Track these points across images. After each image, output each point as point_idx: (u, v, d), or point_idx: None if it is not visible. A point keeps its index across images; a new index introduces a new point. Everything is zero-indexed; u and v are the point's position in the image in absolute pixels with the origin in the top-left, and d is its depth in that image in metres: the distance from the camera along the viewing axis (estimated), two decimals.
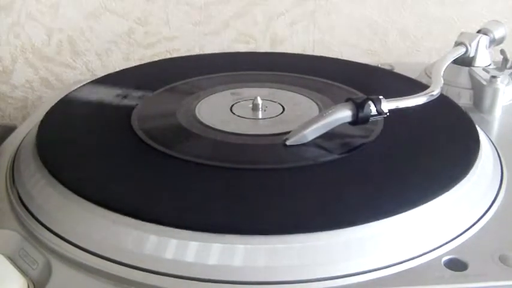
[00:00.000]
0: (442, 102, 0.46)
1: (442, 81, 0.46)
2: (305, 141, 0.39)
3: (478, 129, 0.43)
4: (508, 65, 0.52)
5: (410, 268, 0.30)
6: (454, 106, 0.47)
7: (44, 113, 0.45)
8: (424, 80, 0.53)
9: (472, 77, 0.52)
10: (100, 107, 0.47)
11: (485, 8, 0.75)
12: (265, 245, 0.30)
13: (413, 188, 0.34)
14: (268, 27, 0.77)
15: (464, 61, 0.53)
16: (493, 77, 0.49)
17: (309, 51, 0.78)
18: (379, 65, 0.60)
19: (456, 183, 0.35)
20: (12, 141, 0.45)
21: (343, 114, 0.39)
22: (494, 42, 0.54)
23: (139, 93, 0.49)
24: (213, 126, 0.43)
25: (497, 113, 0.49)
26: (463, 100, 0.51)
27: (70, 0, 0.74)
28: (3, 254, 0.31)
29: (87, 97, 0.49)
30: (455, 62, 0.53)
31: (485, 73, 0.51)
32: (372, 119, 0.40)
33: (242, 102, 0.47)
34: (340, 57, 0.75)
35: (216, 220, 0.31)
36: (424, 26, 0.77)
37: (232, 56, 0.65)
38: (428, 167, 0.37)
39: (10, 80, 0.78)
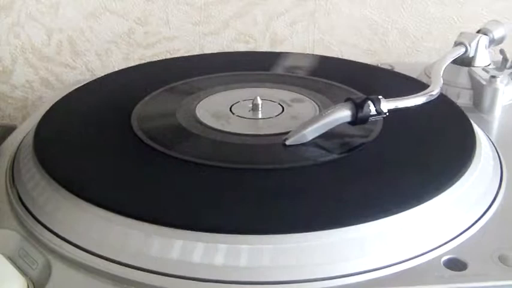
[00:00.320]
0: (442, 102, 0.46)
1: (442, 81, 0.46)
2: (304, 141, 0.39)
3: (478, 129, 0.43)
4: (508, 65, 0.52)
5: (410, 268, 0.30)
6: (453, 106, 0.47)
7: (44, 113, 0.45)
8: (423, 80, 0.53)
9: (472, 77, 0.52)
10: (100, 107, 0.47)
11: (485, 8, 0.75)
12: (264, 244, 0.30)
13: (413, 187, 0.34)
14: (268, 27, 0.77)
15: (464, 61, 0.53)
16: (493, 77, 0.49)
17: (309, 51, 0.78)
18: (379, 65, 0.60)
19: (456, 183, 0.35)
20: (12, 141, 0.45)
21: (343, 114, 0.40)
22: (494, 42, 0.54)
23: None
24: (212, 126, 0.43)
25: (497, 113, 0.49)
26: (463, 100, 0.51)
27: (70, 0, 0.74)
28: (3, 254, 0.31)
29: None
30: (455, 62, 0.53)
31: (485, 73, 0.51)
32: (371, 118, 0.40)
33: (242, 102, 0.47)
34: (340, 57, 0.75)
35: (216, 220, 0.31)
36: (424, 26, 0.77)
37: (232, 56, 0.65)
38: (428, 167, 0.37)
39: (10, 80, 0.78)
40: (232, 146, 0.40)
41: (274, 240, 0.30)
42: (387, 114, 0.40)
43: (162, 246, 0.30)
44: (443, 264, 0.30)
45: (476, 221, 0.34)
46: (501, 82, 0.49)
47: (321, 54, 0.70)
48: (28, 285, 0.30)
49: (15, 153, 0.42)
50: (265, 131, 0.42)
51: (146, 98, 0.48)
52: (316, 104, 0.47)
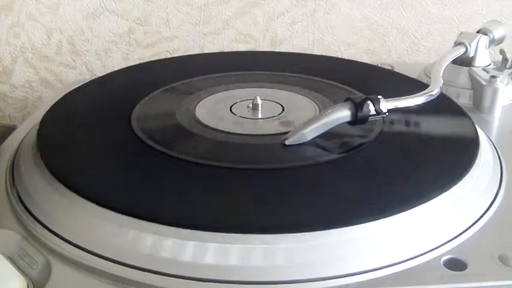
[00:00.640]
0: (442, 102, 0.46)
1: (442, 81, 0.46)
2: (304, 140, 0.39)
3: (478, 129, 0.43)
4: (508, 65, 0.52)
5: (410, 268, 0.30)
6: (454, 105, 0.47)
7: (44, 113, 0.45)
8: (423, 80, 0.53)
9: (472, 77, 0.52)
10: (100, 107, 0.47)
11: (485, 8, 0.75)
12: (264, 244, 0.30)
13: (413, 187, 0.34)
14: (268, 27, 0.77)
15: (464, 61, 0.53)
16: (493, 77, 0.49)
17: (309, 51, 0.78)
18: (379, 65, 0.60)
19: (456, 183, 0.35)
20: (12, 141, 0.45)
21: (342, 114, 0.40)
22: (494, 42, 0.54)
23: None
24: (212, 126, 0.43)
25: (497, 113, 0.49)
26: (463, 100, 0.51)
27: (70, 0, 0.74)
28: (3, 254, 0.31)
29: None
30: (455, 62, 0.53)
31: (485, 73, 0.51)
32: (370, 118, 0.40)
33: (242, 102, 0.47)
34: (340, 57, 0.75)
35: (216, 220, 0.31)
36: (424, 26, 0.77)
37: (232, 56, 0.65)
38: (428, 167, 0.37)
39: (10, 80, 0.78)
40: (232, 145, 0.40)
41: (274, 240, 0.30)
42: (387, 114, 0.40)
43: (163, 246, 0.30)
44: (443, 264, 0.30)
45: (476, 221, 0.34)
46: (501, 82, 0.49)
47: (321, 54, 0.70)
48: (28, 285, 0.30)
49: (15, 153, 0.42)
50: (264, 131, 0.42)
51: (146, 98, 0.48)
52: (316, 104, 0.47)
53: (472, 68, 0.53)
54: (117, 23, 0.76)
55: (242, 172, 0.36)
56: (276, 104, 0.47)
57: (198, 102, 0.47)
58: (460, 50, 0.53)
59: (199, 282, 0.29)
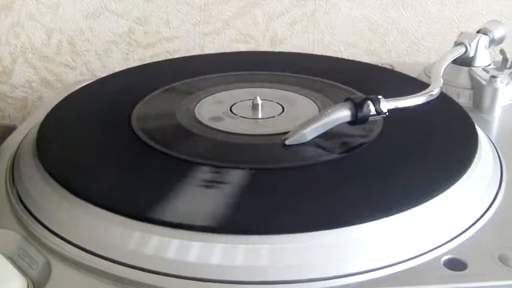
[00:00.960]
0: (442, 101, 0.46)
1: (442, 81, 0.46)
2: (304, 140, 0.39)
3: (478, 129, 0.43)
4: (508, 65, 0.52)
5: (410, 268, 0.30)
6: (454, 105, 0.47)
7: (44, 113, 0.45)
8: (423, 80, 0.53)
9: (472, 77, 0.52)
10: (100, 108, 0.47)
11: (485, 8, 0.75)
12: (264, 244, 0.30)
13: (413, 187, 0.34)
14: (268, 27, 0.77)
15: (464, 61, 0.53)
16: (493, 77, 0.49)
17: (309, 51, 0.78)
18: (379, 65, 0.60)
19: (455, 183, 0.35)
20: (12, 141, 0.45)
21: (342, 113, 0.40)
22: (494, 42, 0.54)
23: None
24: (212, 126, 0.43)
25: (497, 113, 0.49)
26: (463, 100, 0.51)
27: (70, 0, 0.74)
28: (3, 254, 0.31)
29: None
30: (455, 62, 0.53)
31: (485, 73, 0.51)
32: (371, 118, 0.40)
33: (242, 102, 0.47)
34: (340, 57, 0.75)
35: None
36: (424, 26, 0.77)
37: (232, 56, 0.65)
38: (428, 167, 0.37)
39: (10, 80, 0.78)
40: (232, 145, 0.40)
41: (274, 240, 0.30)
42: (387, 114, 0.40)
43: (163, 246, 0.30)
44: (443, 264, 0.30)
45: (476, 221, 0.34)
46: (501, 82, 0.49)
47: (321, 54, 0.70)
48: (28, 285, 0.30)
49: (15, 153, 0.42)
50: (265, 130, 0.42)
51: (146, 98, 0.48)
52: (316, 104, 0.47)
53: (472, 68, 0.53)
54: (117, 23, 0.76)
55: (241, 172, 0.36)
56: (276, 104, 0.47)
57: (198, 102, 0.47)
58: (460, 50, 0.53)
59: (201, 283, 0.29)
